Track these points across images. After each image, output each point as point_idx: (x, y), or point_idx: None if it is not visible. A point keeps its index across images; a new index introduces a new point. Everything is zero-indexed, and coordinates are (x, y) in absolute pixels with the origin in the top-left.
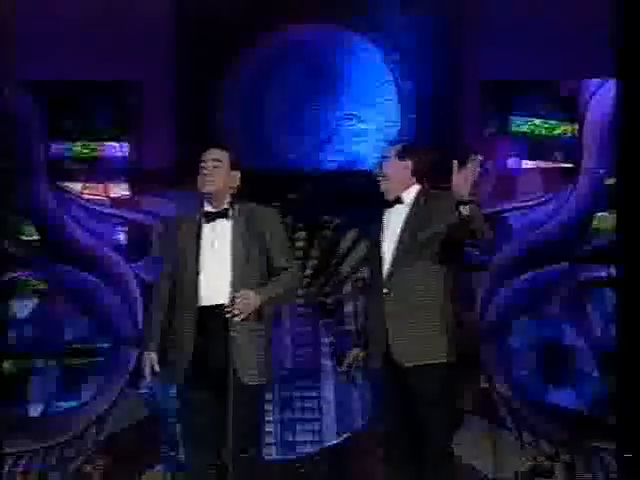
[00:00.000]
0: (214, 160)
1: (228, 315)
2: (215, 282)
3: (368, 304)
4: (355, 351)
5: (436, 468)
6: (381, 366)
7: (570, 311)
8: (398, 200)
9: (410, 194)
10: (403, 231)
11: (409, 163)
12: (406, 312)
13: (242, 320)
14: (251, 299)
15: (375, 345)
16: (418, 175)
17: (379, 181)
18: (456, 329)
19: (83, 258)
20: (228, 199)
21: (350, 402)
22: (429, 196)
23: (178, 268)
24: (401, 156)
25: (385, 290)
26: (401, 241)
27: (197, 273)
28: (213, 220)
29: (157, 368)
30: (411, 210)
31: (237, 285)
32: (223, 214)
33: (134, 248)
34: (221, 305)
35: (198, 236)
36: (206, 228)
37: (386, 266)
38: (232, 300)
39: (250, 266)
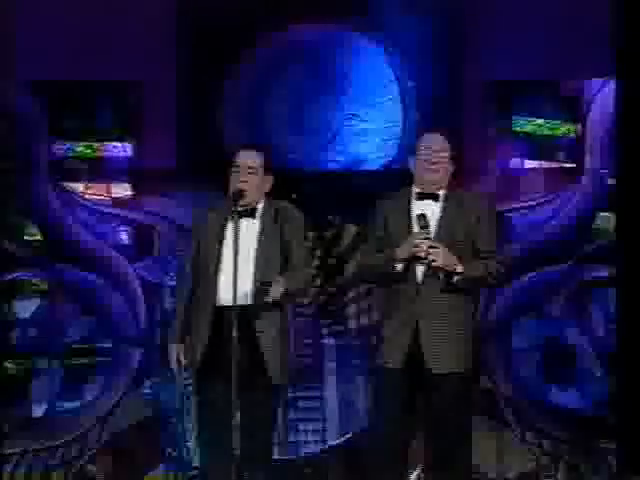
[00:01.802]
0: (250, 168)
1: (268, 299)
2: (235, 283)
3: (390, 300)
4: None
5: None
6: (401, 367)
7: (572, 311)
8: (432, 196)
9: (442, 192)
10: (439, 230)
11: (452, 162)
12: (439, 314)
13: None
14: (280, 283)
15: (398, 344)
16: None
17: (427, 168)
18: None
19: (85, 258)
20: (253, 199)
21: (353, 402)
22: (456, 194)
23: (200, 264)
24: (450, 154)
25: (418, 293)
26: (438, 240)
27: (216, 273)
28: (236, 219)
29: (182, 359)
30: (445, 206)
31: (255, 287)
32: (250, 213)
33: (136, 248)
34: (243, 306)
35: (222, 234)
36: (230, 227)
37: (421, 269)
38: (263, 284)
39: (271, 268)
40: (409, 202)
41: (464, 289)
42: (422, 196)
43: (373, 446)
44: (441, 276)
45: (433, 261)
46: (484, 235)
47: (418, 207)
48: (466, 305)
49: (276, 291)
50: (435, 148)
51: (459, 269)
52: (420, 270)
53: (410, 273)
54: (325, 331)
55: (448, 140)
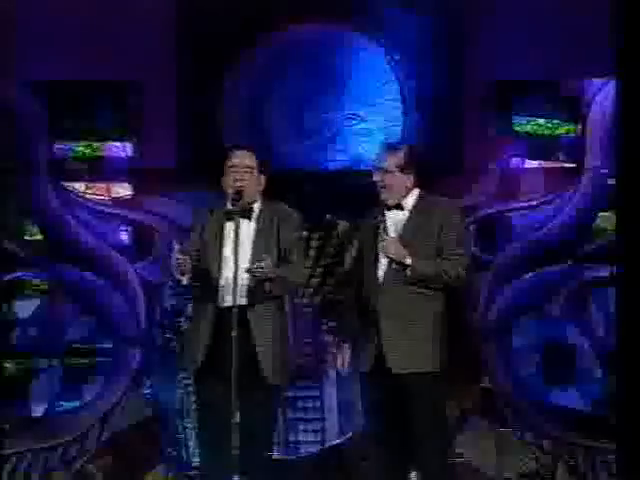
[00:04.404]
0: (246, 167)
1: (252, 273)
2: (235, 283)
3: (361, 307)
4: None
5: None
6: (369, 370)
7: (572, 311)
8: (398, 206)
9: (410, 200)
10: (402, 236)
11: (412, 175)
12: (400, 316)
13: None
14: (269, 267)
15: (367, 347)
16: (418, 182)
17: (379, 187)
18: (446, 337)
19: (85, 258)
20: (252, 199)
21: (352, 401)
22: (427, 201)
23: (201, 264)
24: (405, 169)
25: (379, 292)
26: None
27: (217, 273)
28: (235, 219)
29: (186, 264)
30: (411, 215)
31: (254, 286)
32: (246, 214)
33: (136, 248)
34: (242, 306)
35: (221, 235)
36: (228, 227)
37: (382, 268)
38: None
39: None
40: (383, 213)
41: (425, 287)
42: (389, 207)
43: (368, 447)
44: (394, 265)
45: (385, 250)
46: (447, 240)
47: (388, 217)
48: (428, 304)
49: (267, 266)
50: (381, 167)
51: (408, 262)
52: (381, 269)
53: (372, 274)
54: (325, 331)
55: (404, 152)
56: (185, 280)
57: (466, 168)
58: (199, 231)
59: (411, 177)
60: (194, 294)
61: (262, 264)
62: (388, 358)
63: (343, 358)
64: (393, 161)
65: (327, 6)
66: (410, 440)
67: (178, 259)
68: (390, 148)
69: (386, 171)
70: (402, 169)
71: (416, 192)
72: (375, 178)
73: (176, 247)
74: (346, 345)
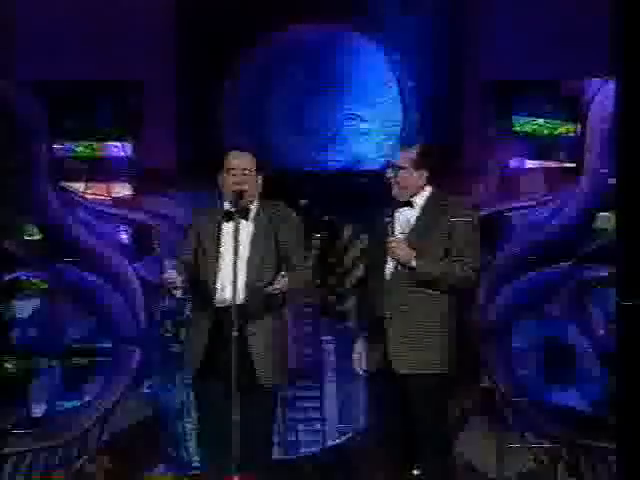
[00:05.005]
0: (245, 169)
1: (270, 289)
2: (232, 283)
3: (369, 308)
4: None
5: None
6: (377, 370)
7: (572, 311)
8: (408, 203)
9: (421, 198)
10: (410, 234)
11: (425, 171)
12: (406, 317)
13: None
14: (284, 279)
15: (374, 347)
16: (431, 180)
17: (390, 184)
18: (455, 338)
19: (85, 258)
20: (250, 200)
21: (352, 402)
22: (439, 199)
23: (199, 264)
24: (418, 166)
25: (387, 293)
26: (408, 243)
27: (215, 274)
28: (233, 220)
29: (179, 288)
30: (420, 214)
31: (251, 286)
32: (244, 214)
33: (136, 248)
34: (241, 306)
35: (218, 235)
36: (226, 227)
37: (389, 269)
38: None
39: (265, 269)
40: (392, 211)
41: (432, 289)
42: (400, 204)
43: (373, 445)
44: (399, 267)
45: (391, 252)
46: (457, 241)
47: (397, 215)
48: (435, 305)
49: (279, 284)
50: (394, 163)
51: (413, 264)
52: (389, 270)
53: (379, 274)
54: (325, 331)
55: (418, 150)
56: (179, 294)
57: (466, 168)
58: (196, 231)
59: (424, 175)
60: (193, 295)
61: (280, 285)
62: (393, 359)
63: (359, 358)
64: (406, 158)
65: (327, 6)
66: (412, 440)
67: (169, 278)
68: (404, 145)
69: (399, 167)
70: (415, 166)
71: (428, 190)
72: (387, 174)
73: (166, 264)
74: (357, 345)
